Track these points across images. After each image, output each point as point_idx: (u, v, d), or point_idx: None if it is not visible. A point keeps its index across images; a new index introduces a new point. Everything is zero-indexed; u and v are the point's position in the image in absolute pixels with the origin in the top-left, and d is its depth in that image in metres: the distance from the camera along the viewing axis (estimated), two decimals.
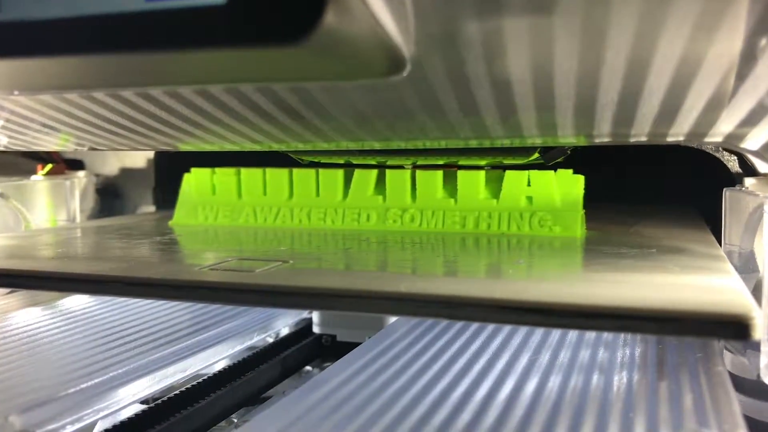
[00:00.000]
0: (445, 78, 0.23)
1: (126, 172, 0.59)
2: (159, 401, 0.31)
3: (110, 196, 0.58)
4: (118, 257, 0.31)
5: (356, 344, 0.38)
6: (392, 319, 0.41)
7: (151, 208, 0.58)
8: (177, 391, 0.32)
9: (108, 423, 0.28)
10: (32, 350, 0.33)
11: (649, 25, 0.19)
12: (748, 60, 0.21)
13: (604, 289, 0.23)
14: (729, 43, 0.20)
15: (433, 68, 0.23)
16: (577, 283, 0.24)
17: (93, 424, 0.28)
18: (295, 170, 0.42)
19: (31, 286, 0.31)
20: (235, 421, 0.33)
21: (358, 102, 0.26)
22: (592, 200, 0.39)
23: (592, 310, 0.21)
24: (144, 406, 0.30)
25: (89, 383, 0.29)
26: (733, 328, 0.20)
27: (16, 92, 0.28)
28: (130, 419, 0.29)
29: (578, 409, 0.25)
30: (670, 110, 0.24)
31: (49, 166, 0.51)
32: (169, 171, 0.57)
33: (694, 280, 0.24)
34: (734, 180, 0.39)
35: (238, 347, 0.39)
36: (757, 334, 0.20)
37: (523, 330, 0.35)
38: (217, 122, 0.30)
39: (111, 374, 0.30)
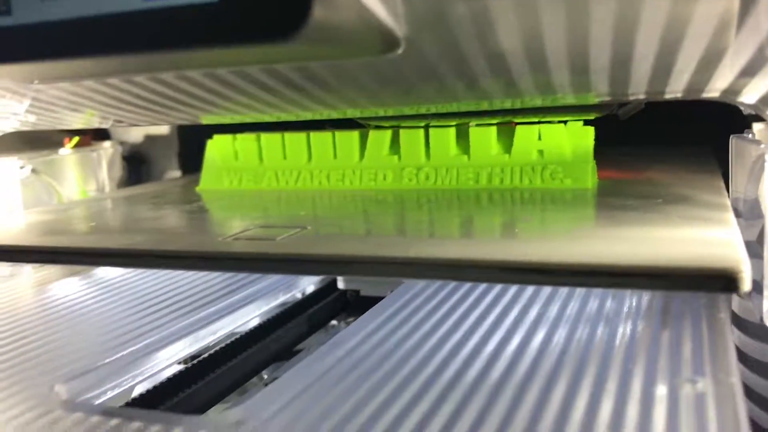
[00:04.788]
0: (440, 53, 0.24)
1: (151, 139, 0.61)
2: (194, 362, 0.33)
3: (137, 163, 0.60)
4: (149, 229, 0.33)
5: (379, 298, 0.40)
6: None
7: (177, 173, 0.60)
8: (211, 351, 0.34)
9: (147, 385, 0.31)
10: (73, 320, 0.35)
11: None
12: (744, 12, 0.21)
13: (602, 247, 0.24)
14: None
15: (428, 45, 0.23)
16: (578, 241, 0.25)
17: (132, 389, 0.30)
18: (313, 134, 0.43)
19: (70, 262, 0.33)
20: (265, 377, 0.36)
21: (360, 76, 0.27)
22: (613, 144, 0.40)
23: (588, 269, 0.22)
24: (181, 366, 0.33)
25: (128, 350, 0.31)
26: (722, 282, 0.21)
27: (36, 82, 0.29)
28: (168, 379, 0.31)
29: (581, 361, 0.26)
30: (664, 70, 0.25)
31: (76, 139, 0.53)
32: (192, 136, 0.59)
33: (691, 233, 0.25)
34: (746, 122, 0.39)
35: (267, 306, 0.41)
36: (745, 287, 0.21)
37: None
38: (228, 99, 0.31)
39: (147, 340, 0.32)
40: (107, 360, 0.30)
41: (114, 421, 0.23)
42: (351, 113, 0.38)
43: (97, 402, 0.28)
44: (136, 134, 0.61)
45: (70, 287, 0.41)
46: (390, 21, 0.21)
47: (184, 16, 0.20)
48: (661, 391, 0.23)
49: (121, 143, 0.59)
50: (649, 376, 0.24)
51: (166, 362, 0.32)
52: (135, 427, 0.23)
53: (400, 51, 0.23)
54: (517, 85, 0.28)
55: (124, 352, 0.31)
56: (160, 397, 0.30)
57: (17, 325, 0.34)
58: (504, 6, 0.21)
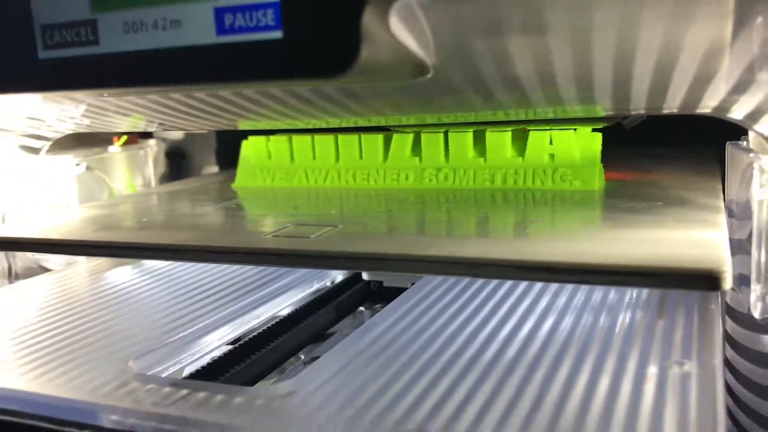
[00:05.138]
0: (463, 76, 0.28)
1: (190, 137, 0.65)
2: (240, 343, 0.37)
3: (177, 159, 0.64)
4: (195, 225, 0.37)
5: (400, 288, 0.43)
6: None
7: (214, 168, 0.64)
8: (254, 334, 0.38)
9: (202, 362, 0.35)
10: (131, 305, 0.39)
11: (624, 30, 0.23)
12: (735, 39, 0.25)
13: (604, 247, 0.27)
14: (717, 29, 0.23)
15: (452, 70, 0.27)
16: (583, 242, 0.28)
17: (189, 366, 0.34)
18: (340, 136, 0.47)
19: (129, 256, 0.37)
20: (302, 357, 0.40)
21: (391, 93, 0.31)
22: (625, 144, 0.43)
23: (591, 269, 0.25)
24: (229, 347, 0.37)
25: (185, 332, 0.35)
26: (707, 282, 0.24)
27: (105, 95, 0.33)
28: (219, 358, 0.35)
29: (584, 347, 0.30)
30: (660, 91, 0.28)
31: (125, 138, 0.58)
32: (228, 134, 0.63)
33: (684, 236, 0.28)
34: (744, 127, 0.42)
35: (301, 295, 0.45)
36: (726, 286, 0.24)
37: None
38: (273, 110, 0.35)
39: (199, 324, 0.36)
40: (168, 340, 0.34)
41: (183, 391, 0.27)
42: (376, 121, 0.42)
43: (164, 375, 0.32)
44: (176, 132, 0.65)
45: (123, 275, 0.45)
46: (421, 53, 0.25)
47: (251, 51, 0.24)
48: (652, 370, 0.27)
49: (163, 140, 0.64)
50: (643, 358, 0.28)
51: (217, 343, 0.36)
52: (202, 397, 0.27)
53: (428, 76, 0.27)
54: (529, 100, 0.31)
55: (182, 334, 0.35)
56: (213, 373, 0.34)
57: (84, 309, 0.38)
58: (518, 42, 0.24)
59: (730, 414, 0.34)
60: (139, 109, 0.38)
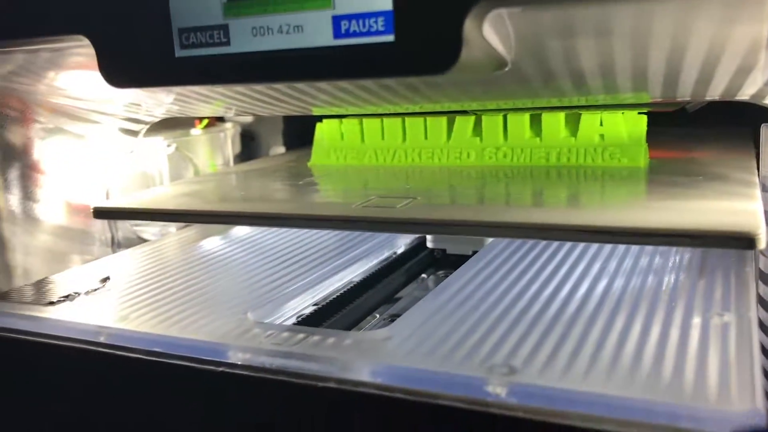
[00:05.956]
0: (535, 69, 0.32)
1: (259, 119, 0.70)
2: (324, 303, 0.43)
3: (248, 140, 0.70)
4: (290, 198, 0.42)
5: (462, 256, 0.48)
6: None
7: (281, 149, 0.69)
8: (335, 295, 0.44)
9: (292, 320, 0.40)
10: (232, 270, 0.45)
11: (679, 30, 0.28)
12: None
13: (654, 215, 0.32)
14: (756, 30, 0.28)
15: (527, 65, 0.32)
16: (635, 210, 0.33)
17: (288, 318, 0.40)
18: (407, 118, 0.52)
19: (240, 223, 0.42)
20: (377, 316, 0.45)
21: (470, 84, 0.36)
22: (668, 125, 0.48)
23: (645, 231, 0.30)
24: (316, 306, 0.42)
25: (283, 293, 0.41)
26: (744, 241, 0.29)
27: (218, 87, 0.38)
28: (308, 316, 0.40)
29: (636, 302, 0.34)
30: (704, 82, 0.33)
31: (206, 121, 0.63)
32: (294, 117, 0.68)
33: (723, 205, 0.33)
34: None
35: (373, 261, 0.50)
36: (761, 245, 0.28)
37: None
38: (358, 98, 0.40)
39: (293, 287, 0.42)
40: (271, 299, 0.39)
41: (300, 335, 0.32)
42: (440, 106, 0.47)
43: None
44: (247, 116, 0.70)
45: (214, 244, 0.51)
46: (504, 52, 0.30)
47: (366, 52, 0.28)
48: (696, 321, 0.32)
49: (237, 123, 0.69)
50: (688, 311, 0.33)
51: (309, 301, 0.42)
52: (316, 339, 0.32)
53: (506, 69, 0.31)
54: (588, 88, 0.36)
55: (280, 294, 0.40)
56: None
57: (192, 271, 0.44)
58: (585, 42, 0.29)
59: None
60: (224, 91, 0.42)
